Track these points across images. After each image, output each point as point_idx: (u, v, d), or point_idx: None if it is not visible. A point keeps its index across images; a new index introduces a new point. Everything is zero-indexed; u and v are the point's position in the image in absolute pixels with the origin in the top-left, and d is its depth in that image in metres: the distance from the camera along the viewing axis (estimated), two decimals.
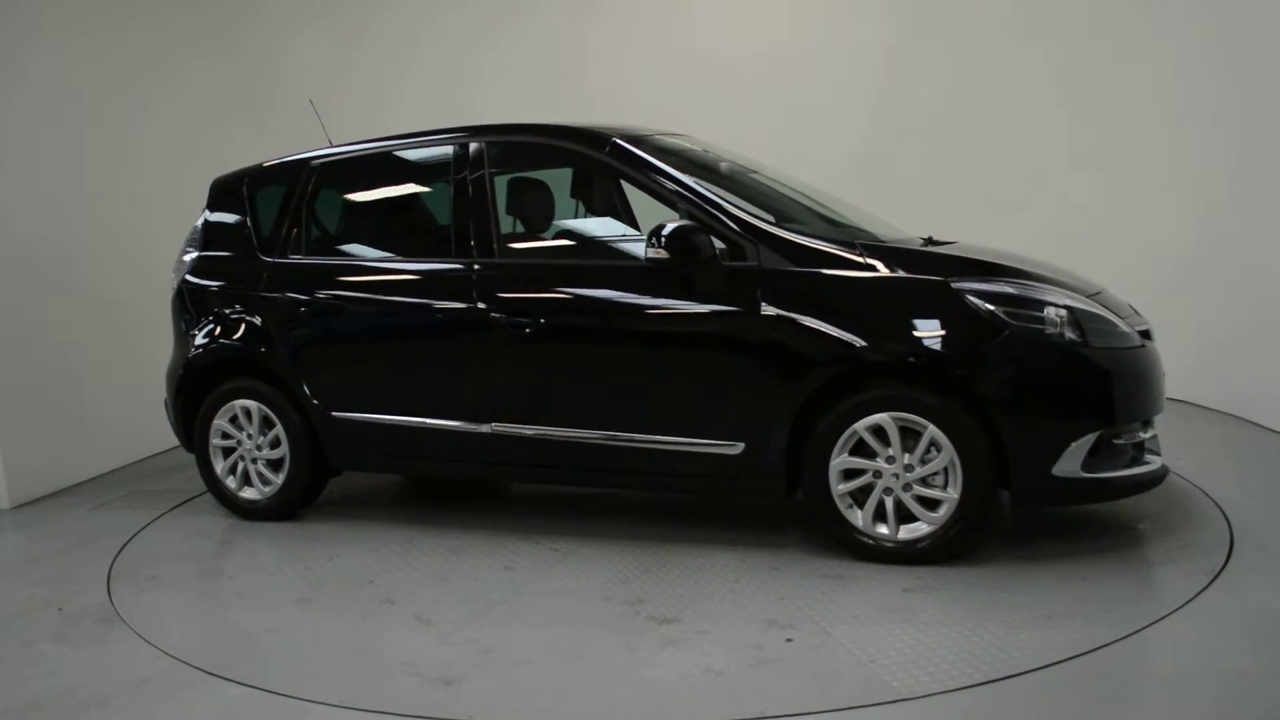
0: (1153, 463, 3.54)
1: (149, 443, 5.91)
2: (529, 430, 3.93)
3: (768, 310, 3.53)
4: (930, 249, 3.74)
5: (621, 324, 3.82)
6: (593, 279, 3.89)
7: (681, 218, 3.67)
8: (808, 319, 3.50)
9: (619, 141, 3.92)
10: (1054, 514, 3.85)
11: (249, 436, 4.42)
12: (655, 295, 3.72)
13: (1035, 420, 3.38)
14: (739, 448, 3.62)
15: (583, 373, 3.91)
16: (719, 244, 3.61)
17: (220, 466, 4.51)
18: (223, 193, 4.70)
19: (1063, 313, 3.39)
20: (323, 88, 6.91)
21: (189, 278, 4.66)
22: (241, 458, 4.47)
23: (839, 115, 6.73)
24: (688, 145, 4.41)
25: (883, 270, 3.51)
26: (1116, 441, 3.42)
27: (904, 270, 3.51)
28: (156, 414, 5.91)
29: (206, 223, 4.70)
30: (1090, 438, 3.34)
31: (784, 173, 4.53)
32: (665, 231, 3.55)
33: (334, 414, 4.25)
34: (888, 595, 3.27)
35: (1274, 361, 5.06)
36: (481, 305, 3.93)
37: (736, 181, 4.19)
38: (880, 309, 3.49)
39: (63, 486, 5.24)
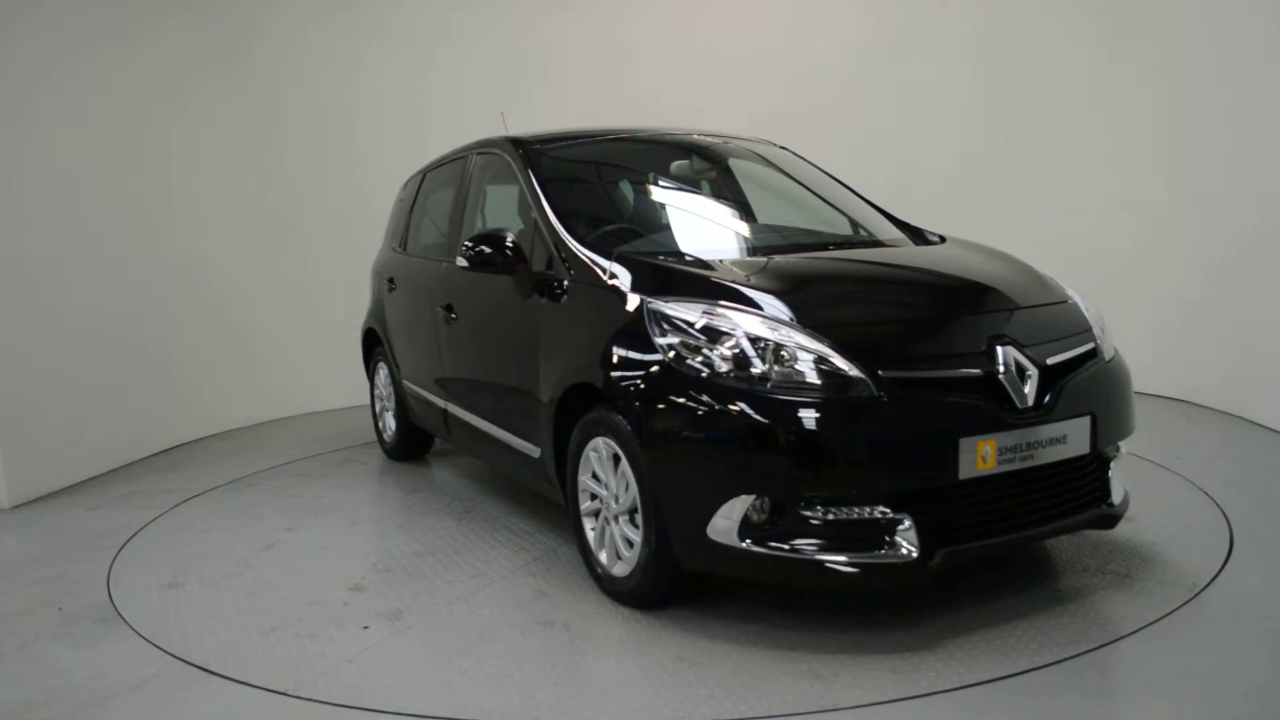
0: (898, 554, 2.68)
1: (149, 443, 5.92)
2: (462, 413, 4.39)
3: (544, 321, 3.52)
4: (669, 263, 3.34)
5: (486, 322, 4.08)
6: (470, 278, 4.15)
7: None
8: (560, 333, 3.41)
9: (498, 145, 4.23)
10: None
11: (384, 393, 5.53)
12: (497, 300, 3.88)
13: (677, 470, 2.89)
14: (538, 453, 3.66)
15: (474, 365, 4.28)
16: (527, 253, 3.65)
17: (377, 410, 5.68)
18: (398, 195, 5.67)
19: (738, 347, 2.83)
20: (336, 88, 6.90)
21: (374, 267, 5.72)
22: (383, 408, 5.57)
23: (861, 112, 6.73)
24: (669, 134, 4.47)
25: (610, 284, 3.26)
26: (809, 514, 2.70)
27: (625, 285, 3.21)
28: (155, 414, 5.93)
29: (390, 221, 5.70)
30: (741, 502, 2.74)
31: (792, 170, 4.51)
32: (468, 238, 3.76)
33: (405, 382, 5.14)
34: (522, 623, 3.15)
35: (1274, 361, 5.06)
36: (441, 298, 4.46)
37: (681, 185, 4.28)
38: (595, 326, 3.22)
39: (62, 486, 5.24)
